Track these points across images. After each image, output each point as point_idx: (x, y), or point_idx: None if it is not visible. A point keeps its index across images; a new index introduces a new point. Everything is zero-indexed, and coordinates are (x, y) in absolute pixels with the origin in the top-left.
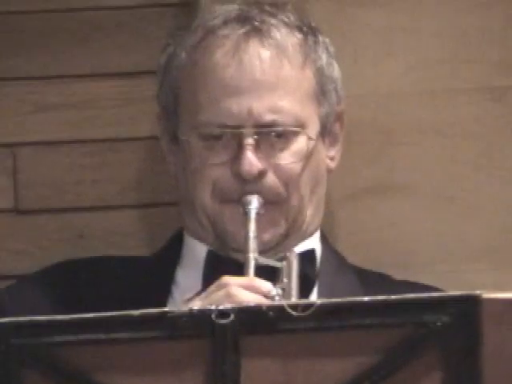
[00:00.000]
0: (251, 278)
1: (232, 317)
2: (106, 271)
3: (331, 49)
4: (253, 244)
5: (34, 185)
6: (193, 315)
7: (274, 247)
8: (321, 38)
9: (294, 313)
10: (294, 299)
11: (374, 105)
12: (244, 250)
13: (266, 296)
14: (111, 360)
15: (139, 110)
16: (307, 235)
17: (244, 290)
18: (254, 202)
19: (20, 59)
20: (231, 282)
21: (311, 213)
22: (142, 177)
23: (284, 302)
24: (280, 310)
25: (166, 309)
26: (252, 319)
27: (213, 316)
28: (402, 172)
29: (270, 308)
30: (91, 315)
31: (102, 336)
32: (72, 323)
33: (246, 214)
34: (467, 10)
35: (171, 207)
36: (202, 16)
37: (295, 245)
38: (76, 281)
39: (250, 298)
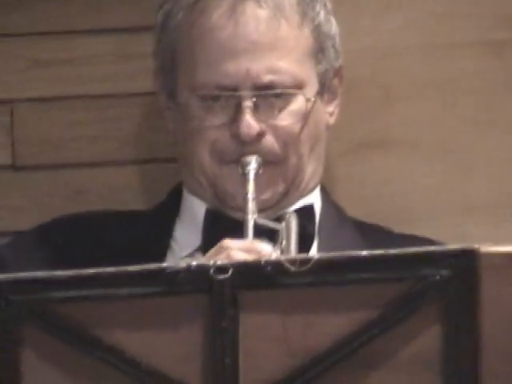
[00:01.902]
0: (251, 241)
1: (230, 272)
2: (104, 226)
3: (329, 4)
4: (252, 205)
5: (32, 141)
6: (191, 271)
7: (274, 206)
8: None
9: (291, 267)
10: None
11: (373, 59)
12: (243, 212)
13: None
14: (110, 315)
15: (137, 65)
16: (307, 192)
17: (244, 254)
18: (253, 163)
19: (15, 14)
20: (232, 245)
21: (311, 170)
22: (141, 132)
23: (282, 257)
24: (278, 264)
25: (163, 264)
26: (250, 274)
27: (211, 271)
28: (400, 127)
29: (268, 263)
30: (89, 271)
31: (100, 291)
32: (70, 279)
33: (245, 174)
34: None
35: (170, 163)
36: None
37: (295, 202)
38: (74, 236)
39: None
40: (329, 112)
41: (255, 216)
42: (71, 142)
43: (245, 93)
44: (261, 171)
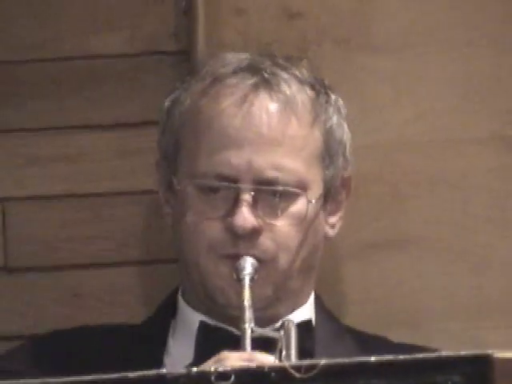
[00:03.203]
0: (250, 353)
1: (232, 379)
2: (95, 342)
3: (343, 110)
4: (248, 314)
5: (25, 242)
6: (191, 377)
7: (264, 308)
8: (333, 98)
9: (297, 374)
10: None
11: (381, 155)
12: (240, 321)
13: None
14: None
15: (135, 162)
16: (301, 302)
17: (244, 363)
18: (248, 268)
19: (11, 110)
20: (229, 357)
21: (302, 279)
22: (139, 232)
23: (286, 363)
24: (282, 371)
25: (163, 370)
26: (253, 381)
27: (212, 378)
28: (410, 226)
29: (272, 369)
30: (87, 377)
31: None
32: None
33: (241, 280)
34: (476, 58)
35: (169, 264)
36: (213, 63)
37: (288, 312)
38: (65, 353)
39: None
40: (330, 223)
41: (252, 325)
42: (66, 243)
43: (244, 186)
44: (256, 276)
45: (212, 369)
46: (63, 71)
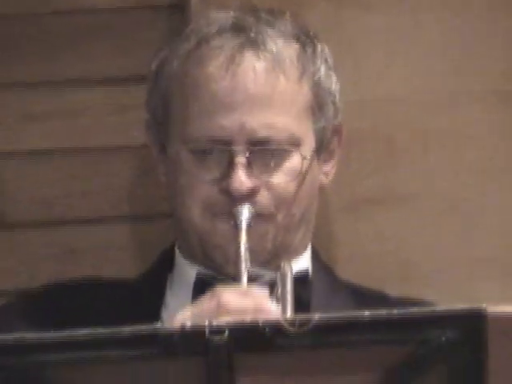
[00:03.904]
0: (244, 287)
1: (226, 334)
2: (93, 296)
3: (330, 60)
4: (245, 255)
5: (21, 198)
6: (185, 332)
7: (263, 264)
8: (319, 48)
9: (291, 328)
10: (289, 308)
11: (374, 112)
12: (233, 258)
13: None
14: (101, 379)
15: (131, 117)
16: (298, 254)
17: (236, 297)
18: (245, 213)
19: (5, 65)
20: (223, 291)
21: (302, 231)
22: (135, 187)
23: (281, 318)
24: (276, 325)
25: (157, 326)
26: (247, 336)
27: (206, 333)
28: (403, 180)
29: (266, 324)
30: (80, 332)
31: (91, 354)
32: (60, 341)
33: (237, 225)
34: (470, 13)
35: (165, 219)
36: (196, 22)
37: None
38: (62, 307)
39: (243, 304)
40: (324, 172)
41: (248, 265)
42: (63, 199)
43: (238, 148)
44: (253, 223)
45: (206, 323)
46: (58, 26)
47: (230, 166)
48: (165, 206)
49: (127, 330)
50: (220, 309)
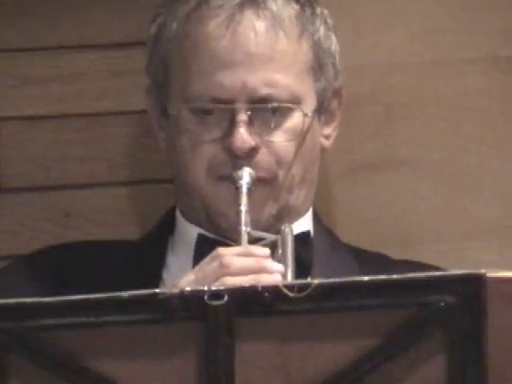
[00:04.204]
0: (245, 246)
1: (225, 298)
2: (93, 257)
3: (330, 21)
4: (245, 217)
5: (18, 161)
6: (184, 297)
7: (266, 228)
8: (319, 10)
9: (290, 293)
10: (289, 272)
11: (374, 77)
12: (236, 224)
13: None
14: (100, 344)
15: (128, 82)
16: (299, 216)
17: (238, 257)
18: (246, 177)
19: (3, 30)
20: (225, 252)
21: (304, 193)
22: (132, 152)
23: (280, 283)
24: (276, 290)
25: (156, 290)
26: (246, 300)
27: (205, 297)
28: (402, 146)
29: (266, 289)
30: (79, 297)
31: (90, 319)
32: (59, 305)
33: (238, 188)
34: None
35: (162, 184)
36: None
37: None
38: (62, 268)
39: (245, 263)
40: (325, 134)
41: (248, 228)
42: (59, 163)
43: (240, 106)
44: (254, 187)
45: (205, 288)
46: None
47: (232, 124)
48: (162, 170)
49: (126, 294)
50: (223, 269)
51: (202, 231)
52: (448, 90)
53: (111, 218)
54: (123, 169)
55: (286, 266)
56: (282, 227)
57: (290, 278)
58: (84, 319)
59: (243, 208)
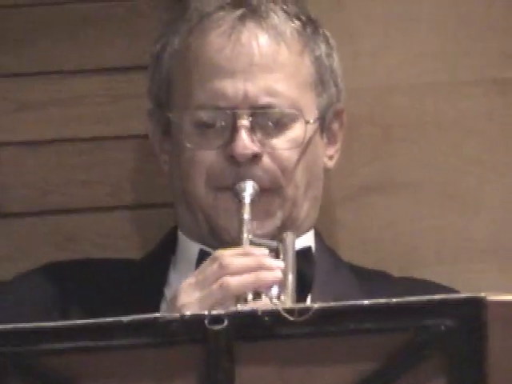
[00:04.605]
0: (244, 247)
1: (226, 322)
2: (96, 274)
3: (332, 41)
4: (247, 225)
5: (19, 187)
6: (184, 321)
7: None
8: (320, 30)
9: (290, 317)
10: (290, 279)
11: (372, 99)
12: (238, 232)
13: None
14: (100, 368)
15: (129, 106)
16: (302, 231)
17: (238, 258)
18: (249, 188)
19: (3, 55)
20: (224, 253)
21: (307, 207)
22: (134, 176)
23: (280, 307)
24: (276, 314)
25: (156, 314)
26: (246, 325)
27: (205, 321)
28: (402, 169)
29: (265, 313)
30: (79, 322)
31: (90, 343)
32: (59, 330)
33: (240, 201)
34: (470, 1)
35: (165, 208)
36: (198, 3)
37: None
38: (65, 284)
39: (244, 262)
40: (328, 155)
41: (251, 236)
42: (61, 188)
43: (241, 111)
44: (257, 199)
45: (205, 312)
46: (55, 15)
47: (233, 131)
48: (163, 194)
49: (126, 319)
50: (223, 270)
51: (203, 247)
52: (447, 112)
53: (113, 242)
54: (125, 193)
55: (287, 272)
56: (284, 235)
57: (290, 285)
58: (83, 344)
59: (246, 216)
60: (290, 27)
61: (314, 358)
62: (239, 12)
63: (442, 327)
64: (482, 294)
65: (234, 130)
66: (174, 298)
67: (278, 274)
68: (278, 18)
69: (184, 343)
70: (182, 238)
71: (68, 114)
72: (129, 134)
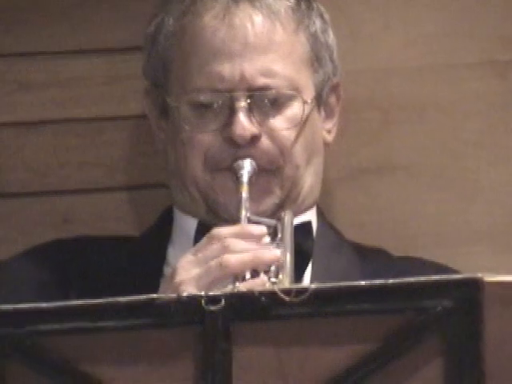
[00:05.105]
0: (242, 225)
1: (222, 303)
2: (95, 252)
3: (326, 16)
4: (245, 203)
5: (16, 167)
6: (181, 302)
7: (269, 217)
8: (315, 5)
9: (287, 298)
10: (288, 257)
11: (371, 81)
12: (236, 212)
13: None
14: (98, 349)
15: (126, 87)
16: (303, 209)
17: (238, 241)
18: (247, 166)
19: (0, 35)
20: (222, 232)
21: (308, 184)
22: (130, 157)
23: (276, 287)
24: (272, 295)
25: (153, 295)
26: (243, 305)
27: (203, 302)
28: (400, 151)
29: (262, 293)
30: (76, 302)
31: (88, 324)
32: (57, 311)
33: (238, 178)
34: None
35: (161, 189)
36: None
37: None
38: (64, 262)
39: (246, 247)
40: (326, 129)
41: (249, 214)
42: (58, 169)
43: (239, 93)
44: (255, 177)
45: (202, 293)
46: None
47: (231, 113)
48: (159, 175)
49: (123, 299)
50: (222, 248)
51: (201, 222)
52: (446, 95)
53: (110, 223)
54: (122, 174)
55: (285, 252)
56: (282, 214)
57: (288, 264)
58: (81, 324)
59: (244, 194)
60: (284, 5)
61: (311, 339)
62: None
63: (439, 308)
64: (479, 275)
65: (232, 111)
66: (172, 274)
67: (277, 253)
68: None
69: (181, 324)
70: (179, 215)
71: (65, 94)
72: (126, 114)
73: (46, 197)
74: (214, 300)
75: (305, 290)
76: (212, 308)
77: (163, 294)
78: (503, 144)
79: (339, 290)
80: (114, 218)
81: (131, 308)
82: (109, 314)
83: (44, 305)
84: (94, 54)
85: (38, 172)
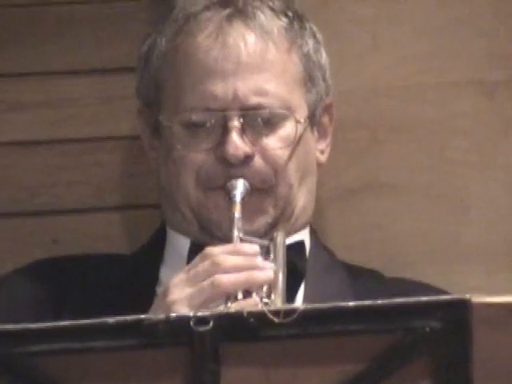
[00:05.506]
0: (235, 244)
1: (211, 323)
2: (87, 270)
3: (319, 36)
4: (238, 223)
5: (6, 187)
6: (170, 322)
7: (261, 237)
8: (307, 25)
9: (275, 319)
10: (281, 277)
11: (359, 101)
12: (229, 230)
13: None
14: (86, 369)
15: (117, 108)
16: (297, 228)
17: (229, 256)
18: (240, 186)
19: None
20: (215, 251)
21: (301, 204)
22: (121, 178)
23: (265, 308)
24: (261, 316)
25: (141, 316)
26: (232, 326)
27: (191, 323)
28: (389, 171)
29: (251, 314)
30: (64, 323)
31: (76, 345)
32: (45, 332)
33: (231, 198)
34: (454, 1)
35: (152, 210)
36: (183, 3)
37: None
38: (55, 281)
39: (237, 262)
40: (320, 149)
41: (241, 234)
42: (48, 188)
43: (232, 113)
44: (248, 197)
45: (191, 314)
46: (42, 16)
47: (225, 132)
48: (151, 196)
49: (112, 320)
50: (215, 268)
51: (194, 241)
52: (434, 114)
53: (100, 244)
54: (113, 195)
55: (278, 272)
56: (275, 234)
57: (281, 284)
58: (70, 345)
59: (237, 214)
60: (277, 25)
61: (299, 360)
62: (226, 12)
63: (427, 328)
64: (467, 296)
65: (224, 131)
66: (164, 293)
67: (270, 274)
68: (264, 16)
69: (169, 344)
70: (171, 234)
71: (56, 115)
72: (116, 135)
73: (36, 216)
74: (202, 321)
75: (293, 310)
76: (200, 329)
77: (154, 313)
78: (491, 163)
79: (328, 310)
80: (104, 238)
81: (119, 328)
82: (97, 334)
83: (32, 325)
84: (86, 74)
85: (28, 192)
